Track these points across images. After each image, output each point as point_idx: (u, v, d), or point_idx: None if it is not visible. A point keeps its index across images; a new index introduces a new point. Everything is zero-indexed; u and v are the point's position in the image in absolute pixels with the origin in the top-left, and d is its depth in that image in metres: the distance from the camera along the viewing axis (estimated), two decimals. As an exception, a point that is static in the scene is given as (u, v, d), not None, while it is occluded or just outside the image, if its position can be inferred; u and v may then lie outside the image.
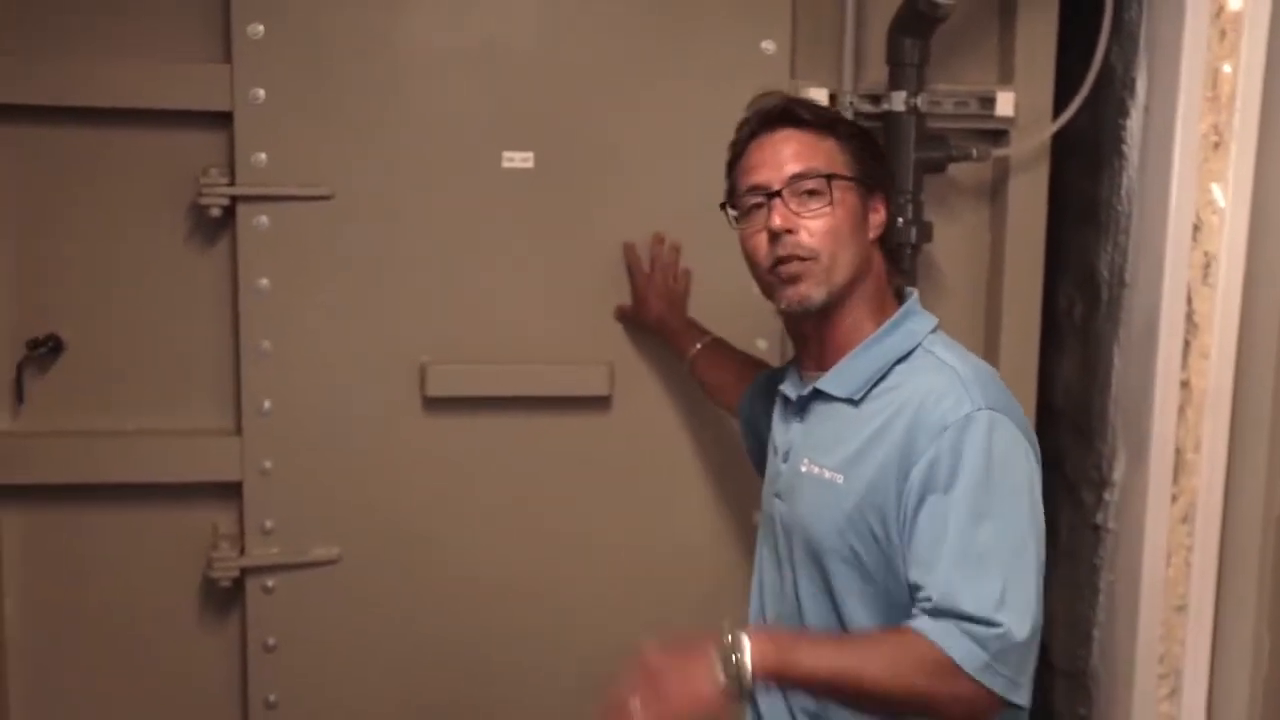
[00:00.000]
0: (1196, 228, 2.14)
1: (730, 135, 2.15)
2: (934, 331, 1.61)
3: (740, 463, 2.09)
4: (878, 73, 2.20)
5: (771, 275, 1.57)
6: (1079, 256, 2.37)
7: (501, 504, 2.22)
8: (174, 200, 2.12)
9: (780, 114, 1.61)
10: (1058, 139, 2.27)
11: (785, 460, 1.64)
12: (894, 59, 2.15)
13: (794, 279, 1.55)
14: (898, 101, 2.15)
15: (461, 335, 2.17)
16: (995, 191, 2.32)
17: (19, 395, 2.12)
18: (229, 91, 2.06)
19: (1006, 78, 2.27)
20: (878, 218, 1.63)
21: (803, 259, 1.55)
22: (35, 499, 2.16)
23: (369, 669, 2.22)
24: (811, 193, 1.56)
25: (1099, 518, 2.34)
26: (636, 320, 2.18)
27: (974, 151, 2.20)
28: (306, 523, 2.17)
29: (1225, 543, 2.21)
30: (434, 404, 2.17)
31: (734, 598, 1.86)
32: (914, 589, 1.41)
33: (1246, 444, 2.16)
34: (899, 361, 1.56)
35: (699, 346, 2.09)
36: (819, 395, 1.61)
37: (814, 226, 1.55)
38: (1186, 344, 2.17)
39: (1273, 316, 2.11)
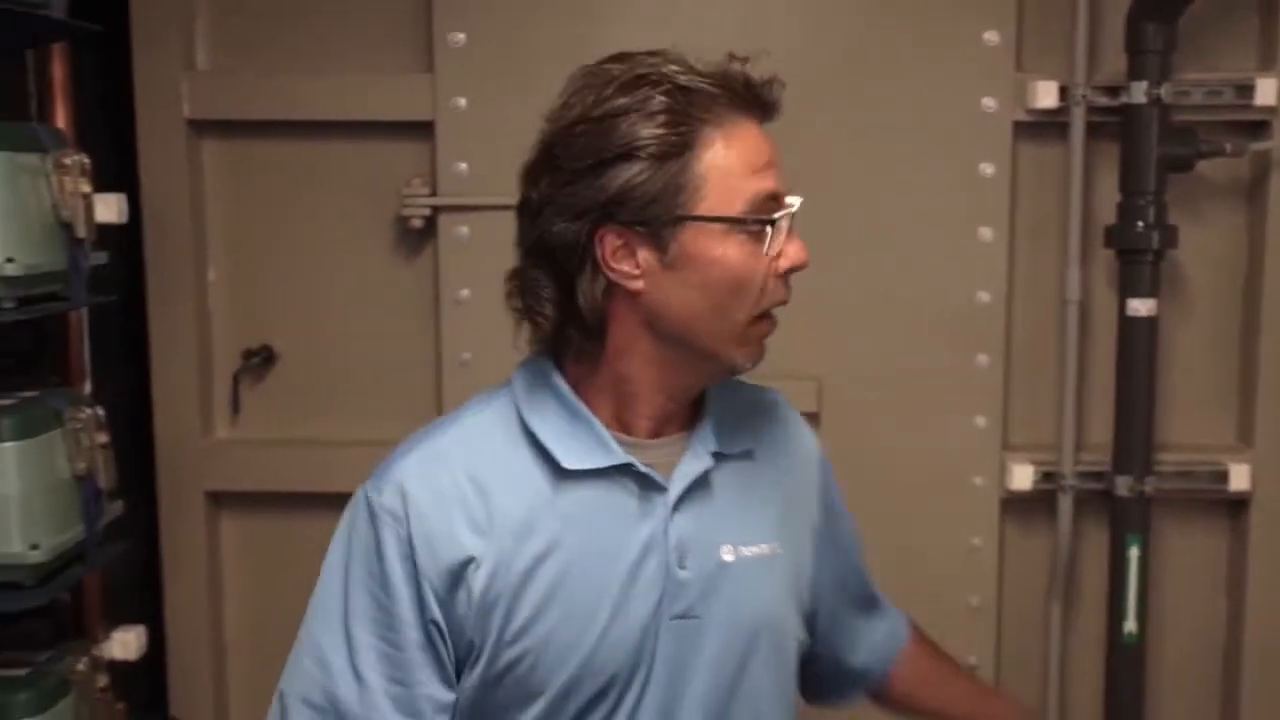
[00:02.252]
0: None
1: (954, 133, 2.08)
2: None
3: (949, 480, 1.94)
4: (1115, 62, 2.03)
5: (756, 326, 1.12)
6: (1354, 262, 2.11)
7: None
8: (380, 211, 2.14)
9: (773, 103, 1.14)
10: (1324, 130, 2.02)
11: (683, 564, 1.14)
12: (1134, 46, 1.98)
13: (767, 334, 1.15)
14: (1138, 93, 1.97)
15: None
16: (1253, 190, 2.09)
17: (235, 405, 2.18)
18: (431, 101, 2.06)
19: (1268, 63, 2.05)
20: None
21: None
22: (252, 505, 2.21)
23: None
24: None
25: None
26: None
27: (1228, 146, 2.00)
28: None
29: None
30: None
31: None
32: (871, 600, 1.39)
33: None
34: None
35: None
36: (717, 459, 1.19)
37: None
38: None
39: None
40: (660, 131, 1.06)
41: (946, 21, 2.03)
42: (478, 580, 1.10)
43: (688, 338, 1.11)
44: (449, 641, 1.11)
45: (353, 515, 1.14)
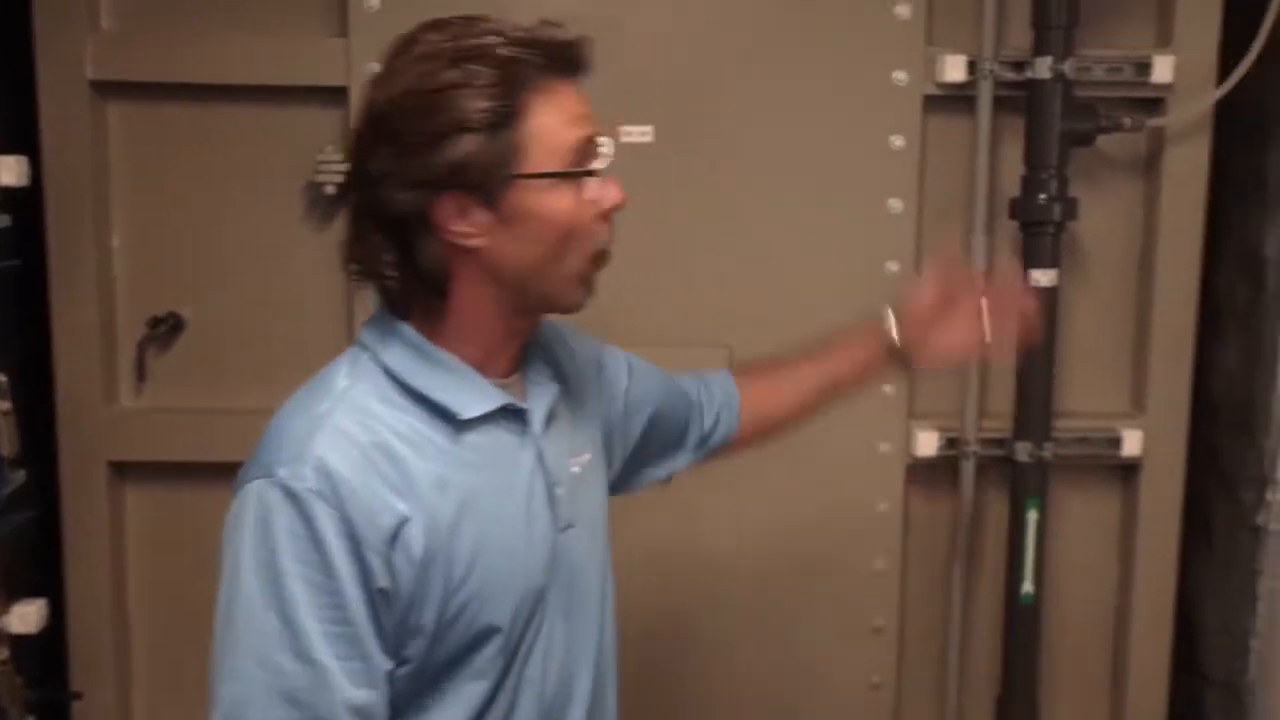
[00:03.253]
0: (1377, 204, 1.95)
1: (865, 106, 2.10)
2: None
3: (856, 447, 2.03)
4: (1022, 37, 2.07)
5: (590, 264, 1.25)
6: (1242, 237, 2.20)
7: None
8: (292, 177, 2.10)
9: (584, 62, 1.23)
10: (1221, 107, 2.09)
11: (557, 482, 1.28)
12: (1040, 21, 2.02)
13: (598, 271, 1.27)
14: (1043, 68, 2.02)
15: (574, 317, 2.10)
16: (1150, 165, 2.16)
17: (140, 373, 2.14)
18: (345, 66, 2.03)
19: (1165, 40, 2.11)
20: None
21: None
22: (157, 476, 2.17)
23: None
24: None
25: (1260, 518, 2.18)
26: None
27: (1127, 121, 2.06)
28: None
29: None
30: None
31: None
32: (689, 388, 1.61)
33: None
34: None
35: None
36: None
37: None
38: (1362, 332, 1.99)
39: None
40: (491, 104, 1.15)
41: (858, -6, 2.06)
42: (415, 540, 1.15)
43: (528, 286, 1.22)
44: (392, 609, 1.15)
45: (262, 509, 1.13)
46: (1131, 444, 2.16)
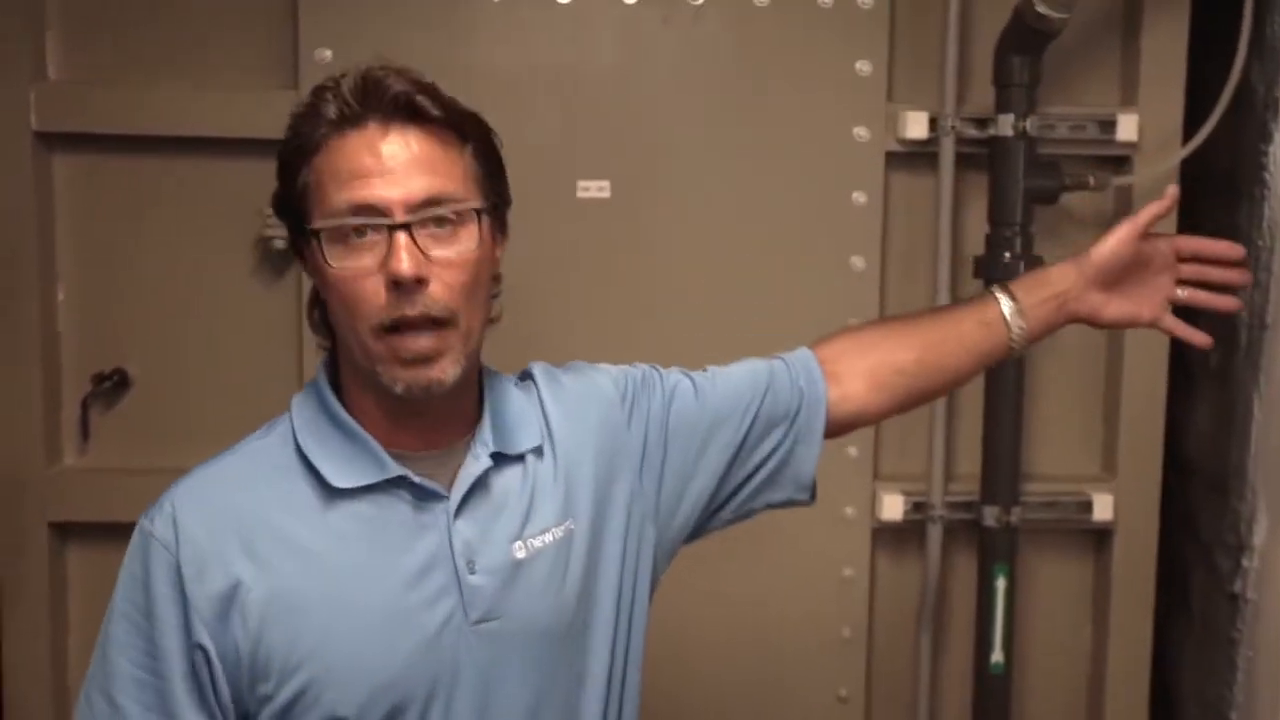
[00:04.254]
0: (1347, 264, 1.92)
1: (827, 163, 2.07)
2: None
3: (821, 511, 1.96)
4: (984, 95, 2.04)
5: (382, 343, 1.10)
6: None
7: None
8: (241, 231, 2.06)
9: (404, 102, 1.12)
10: (1187, 166, 2.06)
11: (473, 569, 1.15)
12: (1001, 79, 2.00)
13: (426, 359, 1.10)
14: (1005, 125, 1.99)
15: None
16: (1115, 224, 2.11)
17: (84, 431, 2.08)
18: (296, 119, 2.00)
19: (1129, 99, 2.08)
20: (499, 253, 1.22)
21: (439, 323, 1.11)
22: (101, 536, 2.11)
23: None
24: (441, 224, 1.12)
25: (1237, 585, 2.13)
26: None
27: (1091, 180, 2.03)
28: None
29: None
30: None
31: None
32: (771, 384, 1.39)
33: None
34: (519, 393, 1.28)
35: None
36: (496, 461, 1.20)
37: (451, 278, 1.11)
38: (1336, 393, 1.94)
39: None
40: (285, 156, 1.12)
41: (820, 51, 2.03)
42: (252, 605, 1.08)
43: (354, 358, 1.14)
44: (218, 671, 1.08)
45: (131, 545, 1.13)
46: (1103, 508, 2.11)
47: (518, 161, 2.02)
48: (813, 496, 1.43)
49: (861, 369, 1.41)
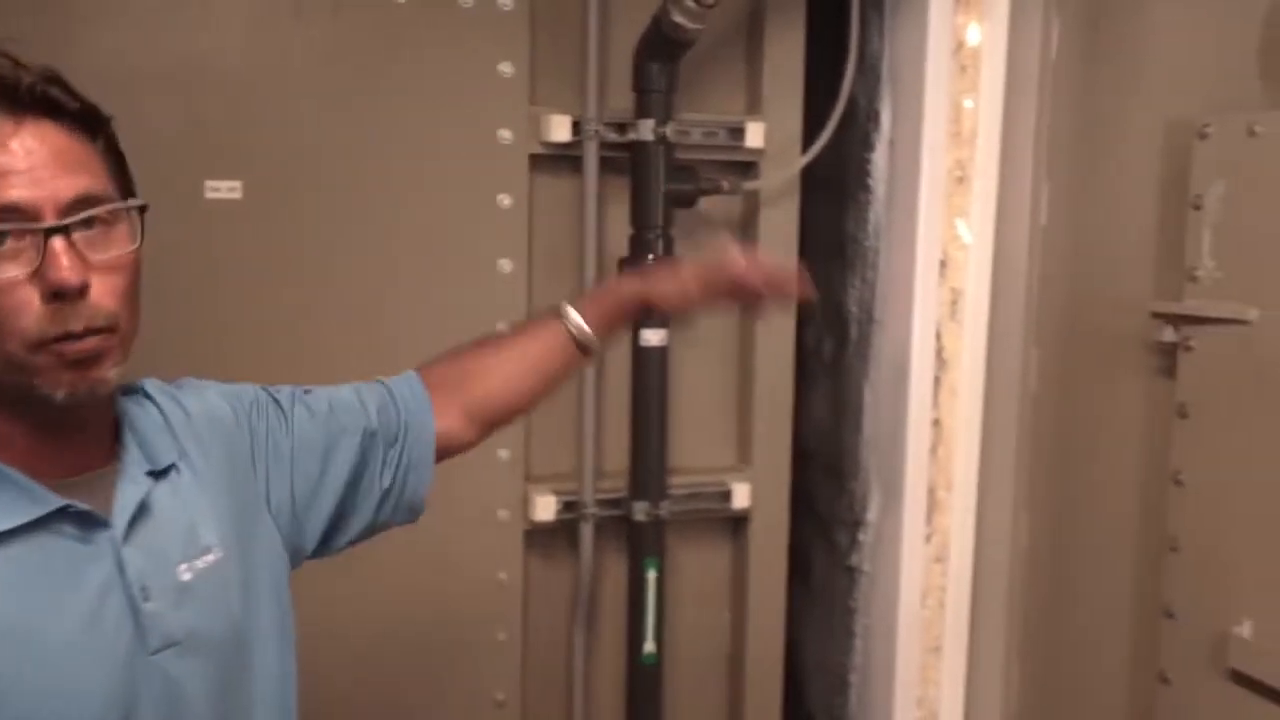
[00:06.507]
0: (943, 263, 2.12)
1: (471, 165, 2.04)
2: None
3: (474, 516, 1.88)
4: (624, 100, 2.08)
5: (45, 354, 1.01)
6: (827, 293, 2.33)
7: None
8: None
9: (38, 94, 1.02)
10: (807, 172, 2.21)
11: (147, 597, 1.07)
12: (641, 85, 2.05)
13: (93, 358, 1.03)
14: (646, 130, 2.04)
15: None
16: (746, 225, 2.24)
17: None
18: None
19: (755, 108, 2.19)
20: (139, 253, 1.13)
21: (100, 331, 1.03)
22: None
23: None
24: (91, 225, 1.03)
25: (853, 559, 2.31)
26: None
27: (724, 184, 2.12)
28: None
29: (976, 581, 2.20)
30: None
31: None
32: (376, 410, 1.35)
33: (993, 481, 2.16)
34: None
35: None
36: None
37: (111, 284, 1.04)
38: (937, 381, 2.15)
39: (1014, 353, 2.12)
40: None
41: (462, 52, 1.99)
42: None
43: None
44: None
45: None
46: (740, 496, 2.22)
47: (135, 159, 1.86)
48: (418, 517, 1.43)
49: (460, 402, 1.43)
